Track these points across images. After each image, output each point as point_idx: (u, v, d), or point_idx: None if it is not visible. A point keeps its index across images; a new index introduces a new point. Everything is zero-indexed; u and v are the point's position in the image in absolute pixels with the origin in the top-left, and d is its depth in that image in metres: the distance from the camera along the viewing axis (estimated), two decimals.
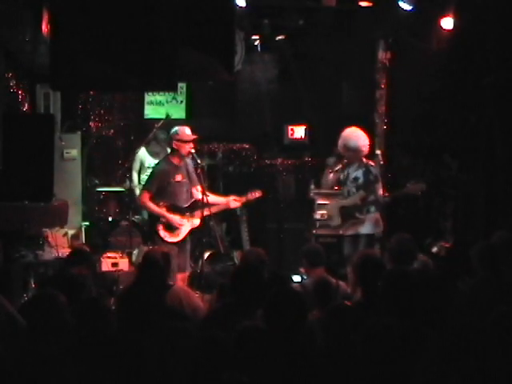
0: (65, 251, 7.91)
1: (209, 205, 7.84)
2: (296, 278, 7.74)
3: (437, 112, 9.90)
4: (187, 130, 7.90)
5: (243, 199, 8.20)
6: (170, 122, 9.22)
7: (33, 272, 7.53)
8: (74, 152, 9.52)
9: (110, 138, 10.71)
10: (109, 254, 8.98)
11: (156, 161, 9.13)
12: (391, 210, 8.10)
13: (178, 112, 10.63)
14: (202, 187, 7.81)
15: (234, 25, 7.45)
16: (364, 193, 8.05)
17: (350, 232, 8.09)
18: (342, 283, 6.14)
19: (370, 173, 8.04)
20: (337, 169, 8.26)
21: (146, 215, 9.02)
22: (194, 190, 8.00)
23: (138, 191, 9.55)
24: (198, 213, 7.81)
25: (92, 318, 4.42)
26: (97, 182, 10.21)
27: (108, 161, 10.61)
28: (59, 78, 6.67)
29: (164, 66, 6.56)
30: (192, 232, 7.96)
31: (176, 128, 7.94)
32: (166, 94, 10.55)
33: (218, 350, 3.95)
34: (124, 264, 8.82)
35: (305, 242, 8.74)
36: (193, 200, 7.94)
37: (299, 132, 10.55)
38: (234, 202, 8.15)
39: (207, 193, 7.92)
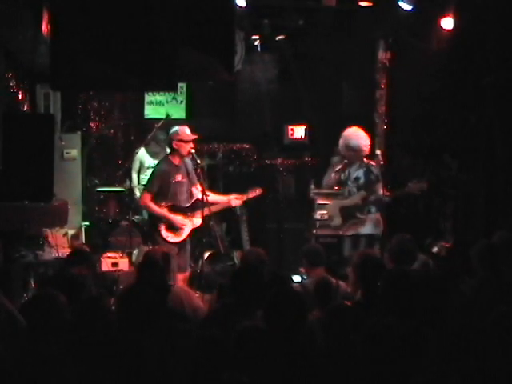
0: (65, 251, 7.90)
1: (210, 204, 7.84)
2: (296, 278, 7.74)
3: (437, 112, 9.90)
4: (187, 130, 7.90)
5: (244, 197, 8.21)
6: (169, 122, 9.21)
7: (33, 272, 7.53)
8: (74, 152, 9.52)
9: (110, 138, 10.71)
10: (109, 254, 8.98)
11: (155, 161, 9.14)
12: (391, 210, 8.09)
13: (178, 112, 10.63)
14: (202, 186, 7.81)
15: (234, 25, 7.45)
16: (365, 193, 8.06)
17: (350, 232, 8.09)
18: (342, 283, 6.14)
19: (371, 173, 8.05)
20: (338, 169, 8.26)
21: (145, 215, 9.02)
22: (194, 190, 8.00)
23: (137, 191, 9.57)
24: (199, 212, 7.80)
25: (92, 317, 4.42)
26: (97, 182, 10.21)
27: (108, 161, 10.61)
28: (59, 78, 6.67)
29: (164, 65, 6.56)
30: (192, 232, 7.96)
31: (176, 128, 7.93)
32: (166, 94, 10.55)
33: (218, 350, 3.95)
34: (124, 264, 8.82)
35: (305, 242, 8.73)
36: (194, 200, 7.94)
37: (299, 132, 10.55)
38: (235, 200, 8.15)
39: (207, 192, 7.92)
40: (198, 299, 6.52)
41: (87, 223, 9.52)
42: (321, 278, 5.94)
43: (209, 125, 10.46)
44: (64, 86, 7.07)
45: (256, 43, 10.25)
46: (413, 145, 10.25)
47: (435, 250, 8.70)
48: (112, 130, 10.71)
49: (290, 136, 10.56)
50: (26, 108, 8.95)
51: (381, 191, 7.87)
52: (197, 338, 4.10)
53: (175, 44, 6.60)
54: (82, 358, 4.18)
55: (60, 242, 8.45)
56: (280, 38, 10.24)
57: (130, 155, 9.98)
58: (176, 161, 7.89)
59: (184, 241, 7.90)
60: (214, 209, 8.01)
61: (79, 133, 9.80)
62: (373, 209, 8.06)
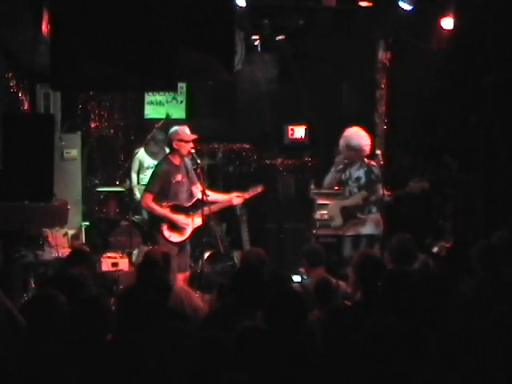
0: (65, 251, 7.90)
1: (211, 203, 7.85)
2: (296, 278, 7.74)
3: (437, 112, 9.90)
4: (187, 130, 7.90)
5: (246, 195, 8.21)
6: (169, 122, 9.22)
7: (33, 272, 7.53)
8: (74, 152, 9.52)
9: (110, 138, 10.71)
10: (109, 254, 8.98)
11: (155, 161, 9.15)
12: (391, 210, 8.09)
13: (178, 112, 10.64)
14: (202, 186, 7.81)
15: (234, 25, 7.45)
16: (366, 193, 8.06)
17: (350, 232, 8.09)
18: (342, 283, 6.14)
19: (372, 173, 8.04)
20: (338, 169, 8.25)
21: (145, 215, 9.02)
22: (194, 189, 7.99)
23: (137, 191, 9.57)
24: (201, 211, 7.80)
25: (92, 317, 4.43)
26: (97, 182, 10.22)
27: (108, 161, 10.61)
28: (59, 78, 6.67)
29: (164, 65, 6.56)
30: (194, 231, 7.95)
31: (176, 128, 7.93)
32: (166, 93, 10.56)
33: (218, 350, 3.95)
34: (124, 264, 8.82)
35: (305, 242, 8.74)
36: (195, 199, 7.93)
37: (299, 132, 10.56)
38: (236, 198, 8.15)
39: (208, 191, 7.92)
40: (198, 299, 6.52)
41: (87, 223, 9.52)
42: (321, 278, 5.94)
43: (209, 125, 10.46)
44: (64, 86, 7.07)
45: (256, 43, 10.25)
46: (413, 145, 10.25)
47: (435, 249, 8.70)
48: (112, 130, 10.71)
49: (290, 136, 10.57)
50: (26, 108, 8.95)
51: (381, 191, 7.86)
52: (197, 338, 4.10)
53: (175, 44, 6.60)
54: (82, 358, 4.18)
55: (60, 242, 8.45)
56: (280, 37, 10.24)
57: (129, 155, 9.99)
58: (176, 161, 7.88)
59: (185, 241, 7.90)
60: (215, 207, 8.01)
61: (79, 133, 9.80)
62: (373, 209, 8.05)
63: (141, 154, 9.70)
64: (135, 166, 9.72)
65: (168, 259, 6.18)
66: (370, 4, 9.36)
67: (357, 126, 8.24)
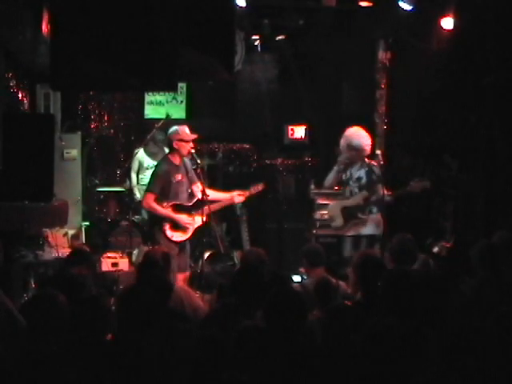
0: (65, 251, 7.90)
1: (213, 201, 7.87)
2: (296, 278, 7.74)
3: (437, 112, 9.90)
4: (187, 130, 7.90)
5: (247, 193, 8.21)
6: (169, 122, 9.22)
7: (33, 272, 7.53)
8: (74, 152, 9.52)
9: (110, 138, 10.72)
10: (109, 254, 8.99)
11: (154, 162, 9.15)
12: (391, 210, 8.08)
13: (178, 112, 10.64)
14: (202, 185, 7.82)
15: (234, 25, 7.45)
16: (367, 193, 8.05)
17: (351, 232, 8.08)
18: (342, 283, 6.14)
19: (373, 173, 8.03)
20: (340, 168, 8.22)
21: (145, 215, 9.02)
22: (194, 188, 8.00)
23: (137, 191, 9.57)
24: (202, 210, 7.80)
25: (92, 317, 4.43)
26: (97, 182, 10.22)
27: (108, 161, 10.62)
28: (59, 78, 6.67)
29: (164, 65, 6.56)
30: (196, 230, 7.95)
31: (176, 127, 7.93)
32: (166, 93, 10.56)
33: (218, 350, 3.95)
34: (124, 264, 8.83)
35: (305, 242, 8.74)
36: (196, 198, 7.94)
37: (299, 132, 10.56)
38: (238, 196, 8.16)
39: (210, 190, 7.97)
40: (199, 299, 6.52)
41: (87, 223, 9.52)
42: (321, 278, 5.94)
43: (209, 125, 10.46)
44: (64, 86, 7.06)
45: (256, 43, 10.25)
46: (413, 145, 10.25)
47: (436, 250, 8.70)
48: (112, 130, 10.72)
49: (290, 136, 10.57)
50: (26, 108, 8.95)
51: (381, 191, 7.85)
52: (197, 338, 4.11)
53: (175, 44, 6.60)
54: (82, 358, 4.19)
55: (60, 242, 8.45)
56: (280, 37, 10.24)
57: (129, 155, 9.99)
58: (176, 160, 7.88)
59: (187, 240, 7.91)
60: (217, 206, 8.03)
61: (79, 133, 9.80)
62: (374, 209, 8.05)
63: (140, 154, 9.70)
64: (135, 167, 9.73)
65: (168, 259, 6.18)
66: (370, 4, 9.35)
67: (357, 125, 8.24)
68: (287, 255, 9.85)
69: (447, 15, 9.07)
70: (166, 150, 8.35)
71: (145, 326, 4.35)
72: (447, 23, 9.10)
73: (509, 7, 8.82)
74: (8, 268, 7.20)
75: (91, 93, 10.25)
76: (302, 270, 7.49)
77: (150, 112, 10.70)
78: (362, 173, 8.11)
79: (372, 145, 8.28)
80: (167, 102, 10.71)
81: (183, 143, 7.82)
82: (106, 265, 8.79)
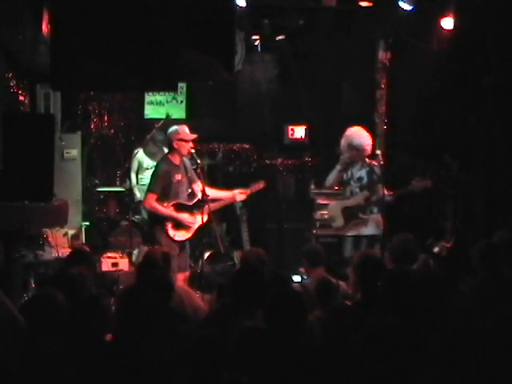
0: (65, 251, 7.90)
1: (214, 200, 7.90)
2: (296, 278, 7.73)
3: (437, 112, 9.90)
4: (187, 130, 7.91)
5: (248, 191, 8.22)
6: (169, 122, 9.22)
7: (33, 272, 7.53)
8: (74, 152, 9.52)
9: (110, 138, 10.72)
10: (109, 254, 8.98)
11: (153, 162, 9.15)
12: (391, 210, 8.08)
13: (178, 112, 10.64)
14: (203, 184, 7.82)
15: (234, 25, 7.45)
16: (368, 193, 8.04)
17: (351, 233, 8.07)
18: (342, 283, 6.14)
19: (374, 173, 8.02)
20: (340, 168, 8.21)
21: (145, 215, 9.02)
22: (195, 187, 8.01)
23: (137, 191, 9.57)
24: (204, 209, 7.81)
25: (91, 317, 4.42)
26: (97, 182, 10.22)
27: (108, 161, 10.61)
28: (59, 78, 6.67)
29: (164, 66, 6.56)
30: (198, 229, 7.96)
31: (175, 127, 7.93)
32: (166, 93, 10.56)
33: (218, 350, 3.95)
34: (124, 264, 8.82)
35: (305, 242, 8.74)
36: (197, 198, 7.94)
37: (299, 132, 10.56)
38: (239, 195, 8.16)
39: (211, 189, 8.02)
40: (199, 299, 6.52)
41: (87, 223, 9.52)
42: (321, 278, 5.94)
43: (209, 125, 10.47)
44: (64, 86, 7.06)
45: (256, 43, 10.24)
46: (413, 145, 10.25)
47: (436, 250, 8.69)
48: (112, 130, 10.72)
49: (290, 136, 10.57)
50: (26, 108, 8.95)
51: (382, 191, 7.85)
52: (197, 338, 4.10)
53: (175, 44, 6.60)
54: (82, 358, 4.18)
55: (60, 242, 8.45)
56: (280, 37, 10.24)
57: (129, 155, 9.98)
58: (176, 160, 7.88)
59: (189, 239, 7.91)
60: (218, 205, 8.06)
61: (79, 133, 9.80)
62: (375, 209, 8.04)
63: (140, 154, 9.70)
64: (134, 167, 9.73)
65: (168, 259, 6.18)
66: (370, 4, 9.35)
67: (357, 125, 8.23)
68: (287, 255, 9.85)
69: (447, 15, 9.07)
70: (166, 150, 8.35)
71: (145, 326, 4.35)
72: (447, 23, 9.10)
73: (509, 7, 8.82)
74: (8, 268, 7.20)
75: (91, 93, 10.24)
76: (301, 270, 7.49)
77: (150, 112, 10.70)
78: (363, 173, 8.11)
79: (372, 145, 8.28)
80: (167, 101, 10.71)
81: (183, 143, 7.83)
82: (106, 265, 8.78)
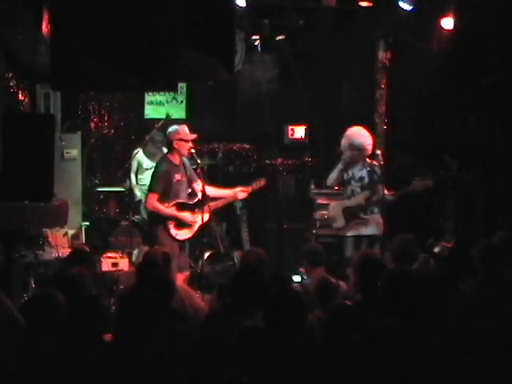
0: (65, 251, 7.90)
1: (216, 198, 7.92)
2: (296, 278, 7.74)
3: (437, 112, 9.90)
4: (186, 129, 7.91)
5: (249, 189, 8.23)
6: (169, 123, 9.22)
7: (33, 272, 7.53)
8: (74, 152, 9.52)
9: (110, 138, 10.72)
10: (109, 254, 8.98)
11: (153, 162, 9.15)
12: (391, 210, 8.08)
13: (178, 112, 10.64)
14: (203, 183, 7.83)
15: (234, 25, 7.45)
16: (369, 193, 8.03)
17: (352, 233, 8.06)
18: (342, 283, 6.14)
19: (375, 173, 8.02)
20: (341, 168, 8.19)
21: (145, 215, 9.03)
22: (195, 186, 8.01)
23: (137, 191, 9.57)
24: (206, 208, 7.82)
25: (91, 316, 4.43)
26: (97, 182, 10.21)
27: (108, 161, 10.61)
28: (59, 78, 6.67)
29: (164, 65, 6.56)
30: (200, 228, 7.96)
31: (176, 127, 7.93)
32: (166, 93, 10.56)
33: (217, 350, 3.95)
34: (124, 264, 8.82)
35: (305, 242, 8.74)
36: (197, 198, 7.94)
37: (299, 132, 10.56)
38: (241, 193, 8.17)
39: (213, 187, 8.05)
40: (199, 299, 6.52)
41: (87, 223, 9.52)
42: (321, 278, 5.94)
43: (209, 125, 10.47)
44: (64, 86, 7.06)
45: (256, 43, 10.24)
46: (413, 145, 10.25)
47: (437, 250, 8.69)
48: (112, 130, 10.72)
49: (290, 136, 10.57)
50: (26, 108, 8.95)
51: (382, 191, 7.85)
52: (197, 338, 4.10)
53: (175, 44, 6.60)
54: (82, 358, 4.19)
55: (60, 242, 8.45)
56: (280, 37, 10.24)
57: (129, 155, 9.98)
58: (176, 160, 7.89)
59: (189, 238, 7.92)
60: (220, 203, 8.07)
61: (79, 133, 9.80)
62: (375, 209, 8.03)
63: (139, 155, 9.69)
64: (134, 167, 9.72)
65: (168, 259, 6.17)
66: (370, 4, 9.35)
67: (357, 125, 8.23)
68: (287, 255, 9.84)
69: (447, 15, 9.07)
70: (165, 151, 8.35)
71: (145, 326, 4.35)
72: (447, 23, 9.10)
73: (509, 7, 8.82)
74: (8, 268, 7.20)
75: (91, 93, 10.24)
76: (302, 270, 7.49)
77: (150, 112, 10.70)
78: (363, 172, 8.10)
79: (372, 145, 8.28)
80: (167, 101, 10.71)
81: (183, 143, 7.83)
82: (106, 265, 8.78)
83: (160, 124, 9.60)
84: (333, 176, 8.25)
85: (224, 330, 4.33)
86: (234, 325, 4.43)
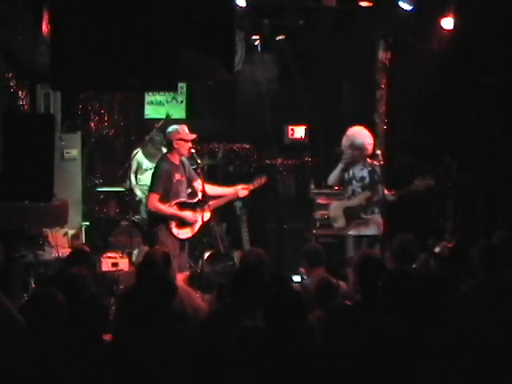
0: (65, 251, 7.90)
1: (217, 197, 7.95)
2: (296, 278, 7.74)
3: (437, 112, 9.90)
4: (186, 129, 7.92)
5: (251, 186, 8.24)
6: (169, 123, 9.22)
7: (33, 272, 7.53)
8: (74, 152, 9.52)
9: (110, 138, 10.72)
10: (109, 254, 8.98)
11: (152, 163, 9.15)
12: (392, 210, 8.07)
13: (178, 112, 10.64)
14: (203, 182, 7.83)
15: (234, 25, 7.45)
16: (369, 193, 8.02)
17: (353, 233, 8.05)
18: (342, 283, 6.14)
19: (376, 173, 8.01)
20: (342, 167, 8.18)
21: (145, 215, 9.03)
22: (195, 185, 8.02)
23: (137, 190, 9.57)
24: (207, 206, 7.82)
25: (90, 316, 4.43)
26: (97, 182, 10.21)
27: (108, 161, 10.61)
28: (59, 78, 6.67)
29: (164, 66, 6.56)
30: (201, 227, 7.96)
31: (176, 126, 7.93)
32: (166, 93, 10.56)
33: (217, 350, 3.95)
34: (124, 264, 8.82)
35: (305, 242, 8.74)
36: (197, 198, 7.95)
37: (299, 132, 10.56)
38: (242, 190, 8.18)
39: (214, 186, 8.08)
40: (199, 299, 6.52)
41: (87, 223, 9.52)
42: (322, 278, 5.94)
43: (209, 125, 10.47)
44: (64, 86, 7.07)
45: (256, 43, 10.25)
46: (413, 145, 10.25)
47: (437, 250, 8.69)
48: (112, 130, 10.72)
49: (290, 136, 10.57)
50: (25, 108, 8.95)
51: (382, 191, 7.85)
52: (197, 338, 4.10)
53: (175, 44, 6.60)
54: (82, 358, 4.18)
55: (60, 242, 8.45)
56: (280, 37, 10.24)
57: (129, 155, 9.98)
58: (176, 160, 7.89)
59: (191, 237, 7.92)
60: (222, 201, 8.09)
61: (79, 133, 9.80)
62: (376, 209, 8.03)
63: (139, 155, 9.69)
64: (133, 168, 9.72)
65: (168, 259, 6.17)
66: (370, 4, 9.35)
67: (357, 125, 8.23)
68: (287, 255, 9.84)
69: (447, 15, 9.07)
70: (164, 151, 8.35)
71: (145, 326, 4.35)
72: (447, 23, 9.10)
73: (509, 7, 8.82)
74: (8, 268, 7.20)
75: (91, 93, 10.24)
76: (302, 270, 7.48)
77: (150, 112, 10.70)
78: (364, 172, 8.09)
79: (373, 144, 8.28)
80: (167, 101, 10.71)
81: (183, 142, 7.83)
82: (106, 265, 8.78)
83: (160, 124, 9.60)
84: (334, 175, 8.24)
85: (224, 330, 4.33)
86: (234, 325, 4.43)
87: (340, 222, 8.15)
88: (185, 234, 7.84)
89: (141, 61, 6.51)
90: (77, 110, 10.41)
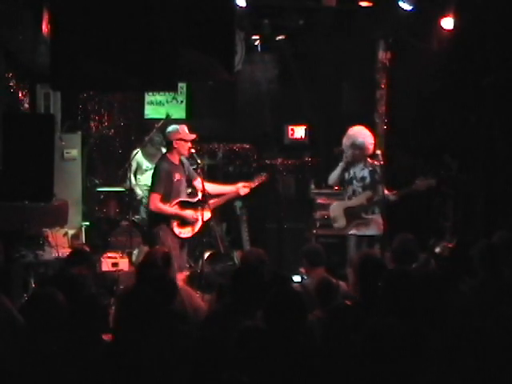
0: (65, 251, 7.91)
1: (218, 195, 7.97)
2: (296, 278, 7.74)
3: (437, 112, 9.90)
4: (186, 129, 7.92)
5: (251, 184, 8.24)
6: (169, 123, 9.22)
7: (33, 272, 7.53)
8: (74, 152, 9.52)
9: (110, 138, 10.72)
10: (109, 254, 8.98)
11: (151, 163, 9.15)
12: (392, 210, 8.07)
13: (178, 112, 10.64)
14: (203, 181, 7.84)
15: (234, 25, 7.45)
16: (370, 193, 8.02)
17: (353, 233, 8.05)
18: (342, 283, 6.14)
19: (376, 173, 8.01)
20: (343, 166, 8.18)
21: (145, 215, 9.03)
22: (196, 184, 8.02)
23: (138, 190, 9.57)
24: (208, 205, 7.83)
25: (90, 316, 4.43)
26: (97, 181, 10.21)
27: (108, 161, 10.61)
28: (59, 78, 6.67)
29: (164, 66, 6.56)
30: (202, 225, 7.96)
31: (175, 126, 7.93)
32: (166, 93, 10.56)
33: (217, 350, 3.95)
34: (124, 264, 8.82)
35: (305, 242, 8.74)
36: (197, 198, 7.95)
37: (299, 132, 10.56)
38: (243, 188, 8.18)
39: (215, 184, 8.12)
40: (199, 299, 6.52)
41: (87, 223, 9.52)
42: (322, 278, 5.94)
43: (209, 125, 10.47)
44: (64, 86, 7.07)
45: (256, 43, 10.25)
46: (413, 145, 10.25)
47: (438, 250, 8.69)
48: (112, 130, 10.72)
49: (290, 136, 10.57)
50: (26, 108, 8.95)
51: (383, 191, 7.85)
52: (197, 338, 4.10)
53: (175, 44, 6.60)
54: (82, 358, 4.19)
55: (60, 242, 8.45)
56: (280, 37, 10.24)
57: (129, 155, 9.98)
58: (175, 160, 7.89)
59: (192, 236, 7.93)
60: (222, 200, 8.11)
61: (79, 133, 9.80)
62: (377, 209, 8.03)
63: (138, 155, 9.69)
64: (133, 168, 9.71)
65: (168, 259, 6.17)
66: (370, 4, 9.35)
67: (358, 125, 8.23)
68: (287, 255, 9.84)
69: (447, 15, 9.07)
70: (164, 150, 8.35)
71: (145, 326, 4.35)
72: (447, 23, 9.10)
73: (509, 7, 8.82)
74: (8, 268, 7.20)
75: (91, 93, 10.25)
76: (302, 270, 7.48)
77: (150, 112, 10.70)
78: (365, 172, 8.08)
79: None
80: (167, 101, 10.71)
81: (183, 142, 7.83)
82: (106, 265, 8.78)
83: (160, 124, 9.60)
84: (334, 175, 8.23)
85: (224, 330, 4.33)
86: (234, 325, 4.43)
87: (340, 222, 8.15)
88: (186, 232, 7.86)
89: (141, 61, 6.51)
90: (77, 110, 10.41)
